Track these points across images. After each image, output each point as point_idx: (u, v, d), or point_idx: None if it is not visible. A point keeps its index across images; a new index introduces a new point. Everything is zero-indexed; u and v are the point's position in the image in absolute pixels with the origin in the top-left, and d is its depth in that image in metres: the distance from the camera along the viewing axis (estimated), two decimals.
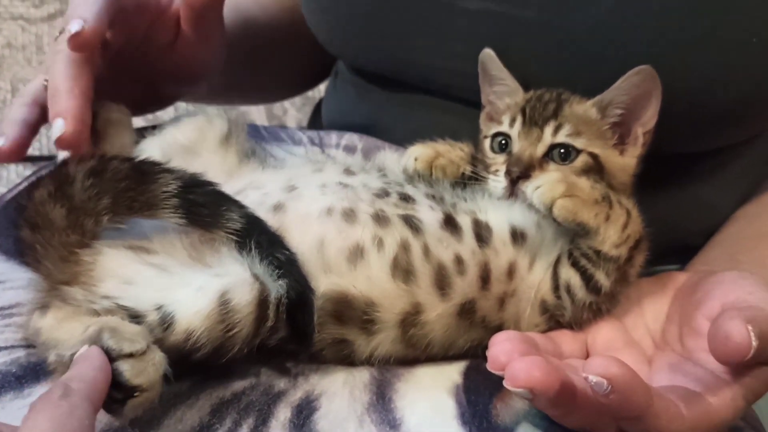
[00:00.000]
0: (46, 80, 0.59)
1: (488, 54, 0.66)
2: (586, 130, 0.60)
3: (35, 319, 0.47)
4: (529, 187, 0.54)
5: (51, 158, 0.64)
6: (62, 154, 0.55)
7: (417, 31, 0.73)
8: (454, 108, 0.77)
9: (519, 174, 0.59)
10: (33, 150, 0.62)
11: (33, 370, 0.47)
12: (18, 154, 0.59)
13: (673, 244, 0.77)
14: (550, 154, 0.60)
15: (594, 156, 0.60)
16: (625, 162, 0.62)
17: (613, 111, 0.61)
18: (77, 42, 0.56)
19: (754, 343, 0.43)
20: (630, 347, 0.55)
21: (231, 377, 0.48)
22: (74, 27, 0.56)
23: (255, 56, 0.92)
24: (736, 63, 0.63)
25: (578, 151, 0.60)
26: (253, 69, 0.94)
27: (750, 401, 0.48)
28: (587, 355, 0.56)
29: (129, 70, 0.68)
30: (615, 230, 0.53)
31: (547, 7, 0.65)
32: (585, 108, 0.61)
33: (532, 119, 0.61)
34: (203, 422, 0.45)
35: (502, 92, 0.66)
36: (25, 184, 0.65)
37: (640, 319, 0.57)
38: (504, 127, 0.63)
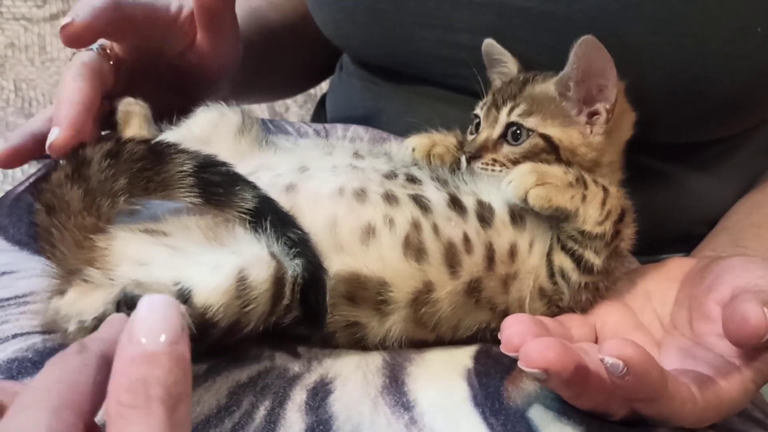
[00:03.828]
0: None
1: (489, 42, 0.67)
2: (541, 110, 0.59)
3: (54, 302, 0.47)
4: (503, 183, 0.55)
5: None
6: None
7: (420, 23, 0.74)
8: (458, 99, 0.77)
9: (471, 155, 0.60)
10: None
11: (49, 356, 0.46)
12: (15, 160, 0.61)
13: (676, 233, 0.77)
14: (506, 135, 0.60)
15: (545, 137, 0.59)
16: (590, 140, 0.60)
17: (570, 86, 0.59)
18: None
19: None
20: (639, 331, 0.55)
21: (246, 362, 0.49)
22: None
23: (268, 54, 0.92)
24: (738, 52, 0.64)
25: (529, 131, 0.59)
26: (266, 67, 0.95)
27: (759, 385, 0.49)
28: (596, 340, 0.56)
29: (153, 81, 0.69)
30: (594, 208, 0.54)
31: None
32: (544, 87, 0.61)
33: (495, 101, 0.62)
34: (220, 404, 0.45)
35: (505, 74, 0.67)
36: (31, 180, 0.66)
37: (648, 304, 0.57)
38: (477, 109, 0.64)
